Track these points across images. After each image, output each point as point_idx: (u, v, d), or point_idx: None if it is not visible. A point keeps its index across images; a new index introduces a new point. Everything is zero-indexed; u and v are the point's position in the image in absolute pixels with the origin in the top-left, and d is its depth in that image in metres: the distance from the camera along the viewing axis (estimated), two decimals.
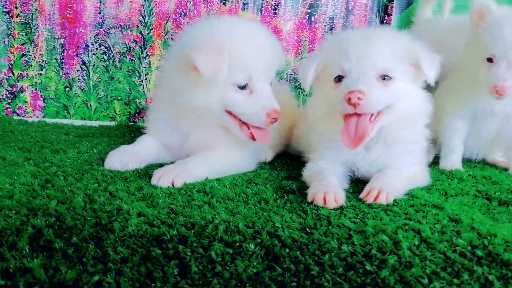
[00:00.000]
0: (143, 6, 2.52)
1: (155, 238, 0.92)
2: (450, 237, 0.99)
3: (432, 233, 1.01)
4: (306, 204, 1.21)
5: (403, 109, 1.39)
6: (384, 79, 1.33)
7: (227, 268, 0.86)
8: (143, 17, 2.53)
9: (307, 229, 0.99)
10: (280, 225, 0.99)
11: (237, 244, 0.91)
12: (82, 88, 2.57)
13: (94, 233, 0.92)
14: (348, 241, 0.95)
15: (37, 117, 2.57)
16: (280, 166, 1.81)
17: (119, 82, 2.58)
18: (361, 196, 1.30)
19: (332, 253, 0.90)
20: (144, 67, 2.59)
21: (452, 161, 1.83)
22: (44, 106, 2.58)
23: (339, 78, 1.36)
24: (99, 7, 2.49)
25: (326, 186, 1.27)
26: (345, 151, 1.43)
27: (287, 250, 0.90)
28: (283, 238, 0.94)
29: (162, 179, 1.34)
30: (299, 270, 0.86)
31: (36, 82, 2.54)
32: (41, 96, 2.56)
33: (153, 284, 0.81)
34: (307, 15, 2.63)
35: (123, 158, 1.51)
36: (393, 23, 2.63)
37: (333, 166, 1.47)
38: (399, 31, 1.49)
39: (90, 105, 2.59)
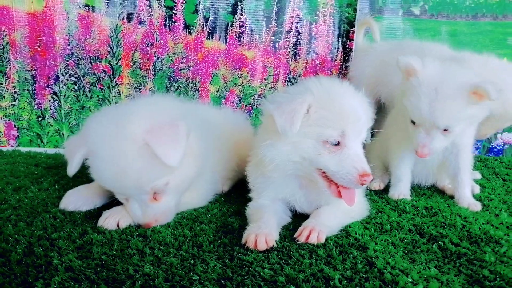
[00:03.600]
0: (110, 37, 2.60)
1: None
2: (355, 285, 1.07)
3: (340, 281, 1.08)
4: (238, 247, 1.29)
5: None
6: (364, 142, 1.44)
7: None
8: (111, 47, 2.61)
9: (222, 281, 1.06)
10: (198, 277, 1.07)
11: None
12: (54, 118, 2.65)
13: None
14: None
15: (12, 146, 2.65)
16: (234, 198, 1.88)
17: (90, 110, 2.66)
18: (295, 235, 1.37)
19: None
20: (114, 96, 2.67)
21: (400, 190, 1.90)
22: (18, 136, 2.66)
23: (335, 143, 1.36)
24: (68, 40, 2.58)
25: (259, 227, 1.34)
26: (283, 189, 1.51)
27: None
28: None
29: (108, 220, 1.42)
30: None
31: (9, 113, 2.62)
32: (14, 126, 2.64)
33: None
34: (271, 42, 2.71)
35: (78, 201, 1.59)
36: (354, 48, 2.71)
37: (272, 203, 1.54)
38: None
39: (63, 134, 2.67)
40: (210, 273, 1.11)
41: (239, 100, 2.77)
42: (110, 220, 1.42)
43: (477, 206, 1.78)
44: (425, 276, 1.13)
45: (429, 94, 1.58)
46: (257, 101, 2.78)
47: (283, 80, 2.77)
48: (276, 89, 2.78)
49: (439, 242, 1.38)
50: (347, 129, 1.34)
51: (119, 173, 1.30)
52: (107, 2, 2.56)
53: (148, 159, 1.29)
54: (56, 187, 1.87)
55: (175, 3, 2.61)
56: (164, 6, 2.61)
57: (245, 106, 2.77)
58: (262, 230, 1.33)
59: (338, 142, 1.35)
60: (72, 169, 1.39)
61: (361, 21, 2.69)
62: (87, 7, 2.56)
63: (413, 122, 1.67)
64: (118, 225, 1.42)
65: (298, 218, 1.54)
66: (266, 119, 1.41)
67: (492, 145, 2.95)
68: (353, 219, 1.55)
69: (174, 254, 1.22)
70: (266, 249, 1.27)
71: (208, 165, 1.66)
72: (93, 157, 1.35)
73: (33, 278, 1.04)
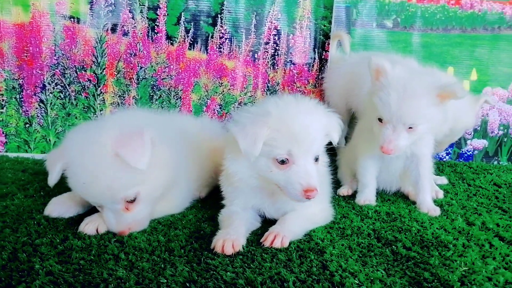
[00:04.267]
0: (95, 47, 2.70)
1: None
2: (307, 286, 1.19)
3: (294, 283, 1.20)
4: (207, 252, 1.41)
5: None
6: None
7: None
8: (96, 57, 2.71)
9: (187, 284, 1.18)
10: (166, 281, 1.19)
11: None
12: (41, 124, 2.75)
13: None
14: None
15: (0, 151, 2.74)
16: (210, 204, 1.98)
17: (76, 117, 2.76)
18: (261, 240, 1.49)
19: None
20: (99, 104, 2.77)
21: (365, 196, 2.03)
22: (6, 142, 2.75)
23: (282, 161, 1.46)
24: (54, 50, 2.67)
25: (227, 233, 1.47)
26: (252, 198, 1.63)
27: None
28: None
29: (88, 225, 1.54)
30: None
31: None
32: (3, 132, 2.74)
33: None
34: (251, 53, 2.83)
35: (61, 208, 1.70)
36: (329, 59, 2.84)
37: (242, 211, 1.66)
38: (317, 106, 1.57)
39: (49, 140, 2.77)
40: (177, 276, 1.22)
41: (220, 108, 2.88)
42: (90, 226, 1.54)
43: (436, 211, 1.91)
44: (371, 278, 1.26)
45: (398, 91, 1.70)
46: (237, 109, 2.90)
47: (262, 89, 2.89)
48: (255, 97, 2.90)
49: (393, 246, 1.51)
50: (293, 149, 1.43)
51: (92, 182, 1.42)
52: (92, 14, 2.66)
53: (118, 169, 1.41)
54: (42, 193, 1.97)
55: (158, 15, 2.72)
56: (147, 18, 2.71)
57: (226, 113, 2.89)
58: (230, 236, 1.45)
59: (287, 159, 1.45)
60: (52, 180, 1.51)
61: (333, 34, 2.82)
62: (72, 19, 2.66)
63: (380, 120, 1.78)
64: (97, 231, 1.53)
65: (268, 223, 1.66)
66: (230, 136, 1.51)
67: (462, 151, 3.09)
68: (317, 225, 1.67)
69: (146, 259, 1.34)
70: (232, 253, 1.39)
71: (183, 174, 1.77)
72: (69, 168, 1.46)
73: (16, 282, 1.15)
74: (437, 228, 1.70)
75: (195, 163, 1.91)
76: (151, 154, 1.45)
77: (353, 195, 2.15)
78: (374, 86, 1.82)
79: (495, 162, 3.09)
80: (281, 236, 1.48)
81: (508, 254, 1.47)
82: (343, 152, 2.37)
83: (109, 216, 1.49)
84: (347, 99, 2.61)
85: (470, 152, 3.09)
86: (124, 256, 1.34)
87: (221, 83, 2.86)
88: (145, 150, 1.44)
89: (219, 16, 2.77)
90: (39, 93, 2.72)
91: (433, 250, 1.49)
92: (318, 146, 1.50)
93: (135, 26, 2.71)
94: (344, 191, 2.18)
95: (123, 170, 1.42)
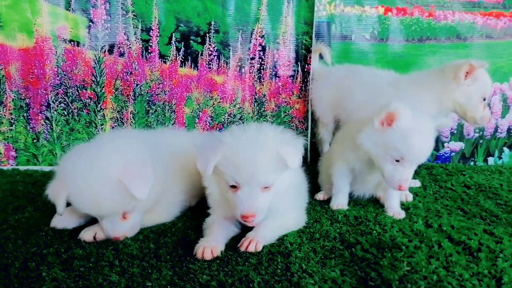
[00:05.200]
0: (94, 67, 2.94)
1: None
2: (269, 286, 1.42)
3: (259, 284, 1.43)
4: (190, 257, 1.64)
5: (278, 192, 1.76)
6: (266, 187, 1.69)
7: None
8: (95, 77, 2.95)
9: (168, 286, 1.42)
10: (151, 284, 1.42)
11: None
12: (47, 139, 3.01)
13: None
14: None
15: (11, 165, 3.00)
16: (200, 212, 2.17)
17: (79, 132, 3.01)
18: (238, 245, 1.72)
19: None
20: (100, 119, 3.02)
21: (339, 201, 2.23)
22: (16, 156, 3.01)
23: (233, 185, 1.66)
24: (57, 71, 2.92)
25: (207, 241, 1.69)
26: (230, 209, 1.84)
27: None
28: None
29: (87, 233, 1.79)
30: None
31: (8, 136, 2.98)
32: (13, 147, 2.99)
33: None
34: (238, 68, 3.06)
35: (65, 220, 1.93)
36: (312, 71, 3.06)
37: (223, 219, 1.88)
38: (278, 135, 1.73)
39: (56, 153, 3.03)
40: (161, 280, 1.46)
41: (211, 120, 3.11)
42: (88, 233, 1.78)
43: (400, 215, 2.11)
44: (325, 278, 1.48)
45: (419, 133, 1.87)
46: (227, 120, 3.13)
47: (250, 101, 3.11)
48: (244, 108, 3.12)
49: (352, 249, 1.72)
50: (237, 177, 1.63)
51: (97, 202, 1.65)
52: (90, 37, 2.90)
53: (120, 192, 1.65)
54: (49, 206, 2.18)
55: (150, 36, 2.95)
56: (141, 39, 2.95)
57: (217, 124, 3.12)
58: (210, 243, 1.68)
59: (236, 184, 1.66)
60: (60, 210, 1.74)
61: (314, 47, 3.02)
62: (72, 42, 2.90)
63: (397, 161, 1.91)
64: (95, 237, 1.77)
65: (248, 229, 1.87)
66: None
67: (440, 153, 3.29)
68: (289, 230, 1.88)
69: (137, 265, 1.57)
70: (211, 258, 1.62)
71: (173, 187, 2.01)
72: (73, 195, 1.69)
73: None
74: (396, 231, 1.90)
75: (185, 175, 2.12)
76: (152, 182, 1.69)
77: (329, 200, 2.36)
78: (387, 130, 1.91)
79: (472, 163, 3.28)
80: (255, 242, 1.70)
81: (452, 254, 1.68)
82: (324, 159, 2.56)
83: (107, 225, 1.73)
84: (334, 111, 2.82)
85: (448, 154, 3.29)
86: (118, 263, 1.58)
87: (212, 97, 3.08)
88: (147, 182, 1.67)
89: (207, 35, 2.99)
90: (44, 111, 2.96)
91: (387, 252, 1.69)
92: (265, 176, 1.64)
93: (130, 47, 2.95)
94: (320, 196, 2.39)
95: (125, 191, 1.65)
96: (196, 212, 2.20)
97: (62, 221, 1.94)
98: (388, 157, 1.91)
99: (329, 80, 2.90)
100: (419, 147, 1.87)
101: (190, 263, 1.58)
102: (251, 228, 1.81)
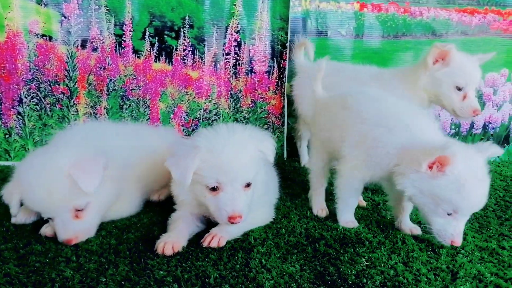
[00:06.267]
0: (67, 62, 2.90)
1: None
2: (224, 282, 1.41)
3: (215, 279, 1.42)
4: (150, 253, 1.62)
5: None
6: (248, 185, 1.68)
7: None
8: (68, 72, 2.92)
9: (122, 282, 1.40)
10: (105, 279, 1.41)
11: None
12: (20, 135, 2.96)
13: None
14: None
15: None
16: (167, 207, 2.17)
17: (52, 127, 2.97)
18: (201, 241, 1.71)
19: None
20: (73, 114, 2.98)
21: (348, 218, 1.97)
22: None
23: (214, 188, 1.64)
24: (29, 66, 2.88)
25: (169, 236, 1.68)
26: (196, 207, 1.82)
27: None
28: None
29: (48, 228, 1.76)
30: None
31: None
32: None
33: None
34: (213, 63, 3.04)
35: (23, 215, 1.90)
36: (287, 66, 3.05)
37: (189, 215, 1.87)
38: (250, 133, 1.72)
39: (28, 149, 2.98)
40: (116, 275, 1.44)
41: (187, 115, 3.09)
42: (50, 228, 1.75)
43: (418, 230, 1.88)
44: (284, 273, 1.47)
45: (477, 180, 1.56)
46: (203, 115, 3.11)
47: (225, 96, 3.10)
48: (219, 104, 3.10)
49: (316, 244, 1.72)
50: (220, 178, 1.61)
51: (47, 197, 1.62)
52: (63, 32, 2.86)
53: (70, 185, 1.63)
54: None
55: (124, 31, 2.92)
56: (114, 34, 2.91)
57: (192, 120, 3.10)
58: (171, 238, 1.66)
59: (217, 186, 1.63)
60: (14, 212, 1.76)
61: (299, 42, 2.92)
62: (44, 37, 2.86)
63: (449, 214, 1.63)
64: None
65: (213, 225, 1.86)
66: None
67: None
68: (255, 226, 1.88)
69: (94, 261, 1.55)
70: (172, 254, 1.61)
71: (134, 181, 1.99)
72: (25, 191, 1.68)
73: None
74: (362, 227, 1.91)
75: (148, 169, 2.11)
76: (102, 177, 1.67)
77: (298, 195, 2.34)
78: (436, 181, 1.59)
79: None
80: (218, 237, 1.70)
81: (414, 249, 1.68)
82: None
83: (59, 225, 1.69)
84: None
85: None
86: (75, 259, 1.56)
87: (187, 92, 3.06)
88: (96, 176, 1.65)
89: (181, 30, 2.97)
90: (16, 106, 2.92)
91: (350, 247, 1.70)
92: (246, 173, 1.65)
93: (103, 42, 2.91)
94: (320, 212, 2.13)
95: (75, 185, 1.63)
96: (163, 207, 2.18)
97: (19, 215, 1.90)
98: (440, 210, 1.61)
99: (311, 75, 2.84)
100: (476, 198, 1.58)
101: (149, 259, 1.57)
102: (216, 224, 1.80)
